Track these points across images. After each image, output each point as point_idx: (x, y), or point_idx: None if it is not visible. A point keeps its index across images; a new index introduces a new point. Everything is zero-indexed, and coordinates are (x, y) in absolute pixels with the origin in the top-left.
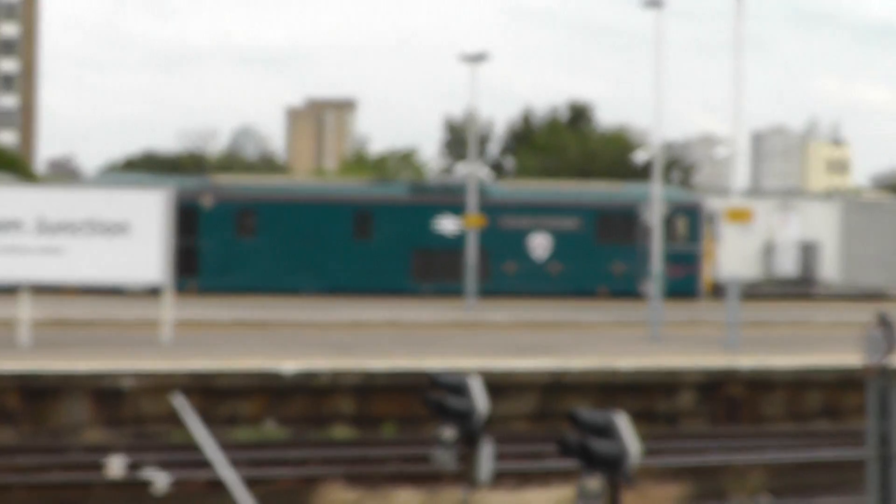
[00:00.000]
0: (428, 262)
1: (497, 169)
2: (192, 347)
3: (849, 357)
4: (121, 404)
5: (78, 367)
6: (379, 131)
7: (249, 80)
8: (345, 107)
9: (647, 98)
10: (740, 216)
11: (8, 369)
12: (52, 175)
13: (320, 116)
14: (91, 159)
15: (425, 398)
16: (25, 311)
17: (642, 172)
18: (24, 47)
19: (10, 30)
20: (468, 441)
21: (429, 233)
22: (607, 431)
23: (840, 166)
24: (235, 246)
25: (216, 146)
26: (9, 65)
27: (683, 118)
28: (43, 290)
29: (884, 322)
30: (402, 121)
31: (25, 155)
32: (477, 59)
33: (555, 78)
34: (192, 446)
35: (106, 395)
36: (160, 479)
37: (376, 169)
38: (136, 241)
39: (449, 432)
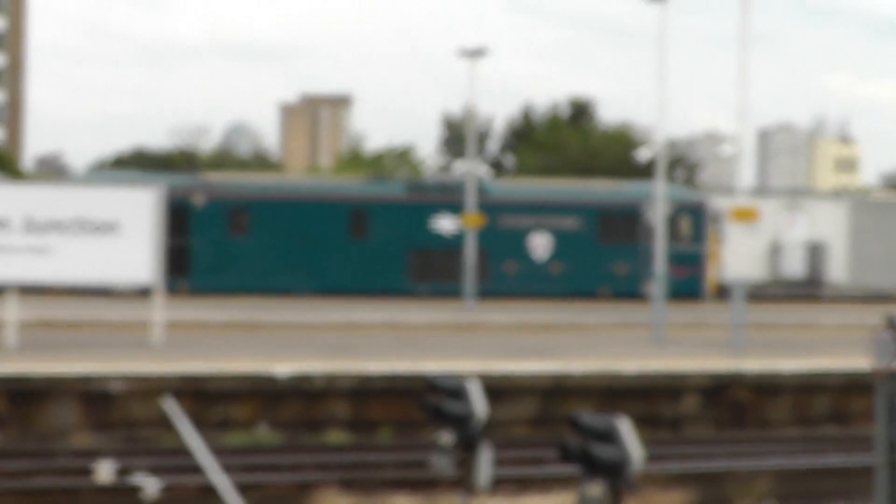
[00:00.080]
0: (425, 262)
1: (496, 167)
2: (183, 350)
3: (857, 361)
4: (110, 408)
5: (66, 370)
6: (375, 128)
7: (242, 75)
8: (340, 103)
9: (650, 94)
10: (746, 216)
11: None
12: (39, 173)
13: (315, 113)
14: (80, 157)
15: (422, 402)
16: (12, 312)
17: (645, 171)
18: (12, 42)
19: None
20: (466, 446)
21: (426, 232)
22: (609, 436)
23: (848, 165)
24: (228, 245)
25: (208, 143)
26: None
27: (688, 115)
28: (30, 291)
29: (893, 325)
30: (398, 117)
31: (12, 152)
32: (476, 54)
33: (556, 74)
34: (183, 451)
35: (94, 398)
36: (150, 485)
37: (372, 167)
38: (125, 240)
39: (447, 437)
